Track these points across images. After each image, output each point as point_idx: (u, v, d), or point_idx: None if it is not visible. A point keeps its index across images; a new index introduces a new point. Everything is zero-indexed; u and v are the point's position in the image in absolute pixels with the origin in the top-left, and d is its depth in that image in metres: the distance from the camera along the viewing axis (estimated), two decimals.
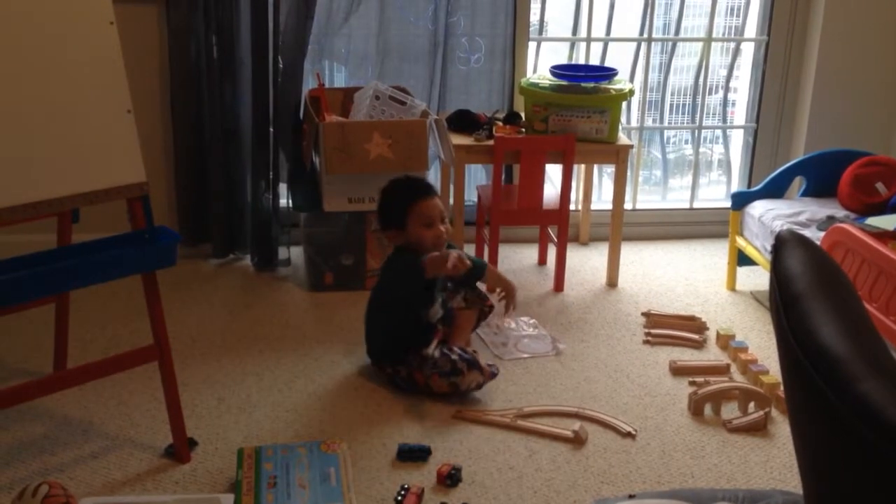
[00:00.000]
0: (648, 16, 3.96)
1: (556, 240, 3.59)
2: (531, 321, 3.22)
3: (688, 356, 3.07)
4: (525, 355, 3.03)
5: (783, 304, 1.15)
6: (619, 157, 3.49)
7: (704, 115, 4.20)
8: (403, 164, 3.24)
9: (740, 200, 3.56)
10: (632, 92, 3.51)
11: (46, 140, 2.08)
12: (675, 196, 4.38)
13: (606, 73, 3.57)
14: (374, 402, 2.74)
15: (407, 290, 2.79)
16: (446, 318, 2.98)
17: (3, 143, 2.02)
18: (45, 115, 2.08)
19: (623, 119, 3.86)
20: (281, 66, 3.49)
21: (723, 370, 2.95)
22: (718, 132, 4.42)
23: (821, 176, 3.57)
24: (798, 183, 3.69)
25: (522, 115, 3.62)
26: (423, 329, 2.86)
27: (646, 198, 4.34)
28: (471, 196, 3.88)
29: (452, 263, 2.61)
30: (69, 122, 2.12)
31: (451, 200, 3.61)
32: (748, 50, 4.16)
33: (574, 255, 3.86)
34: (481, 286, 3.06)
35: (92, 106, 2.16)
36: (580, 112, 3.43)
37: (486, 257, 3.60)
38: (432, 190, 2.87)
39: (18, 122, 2.04)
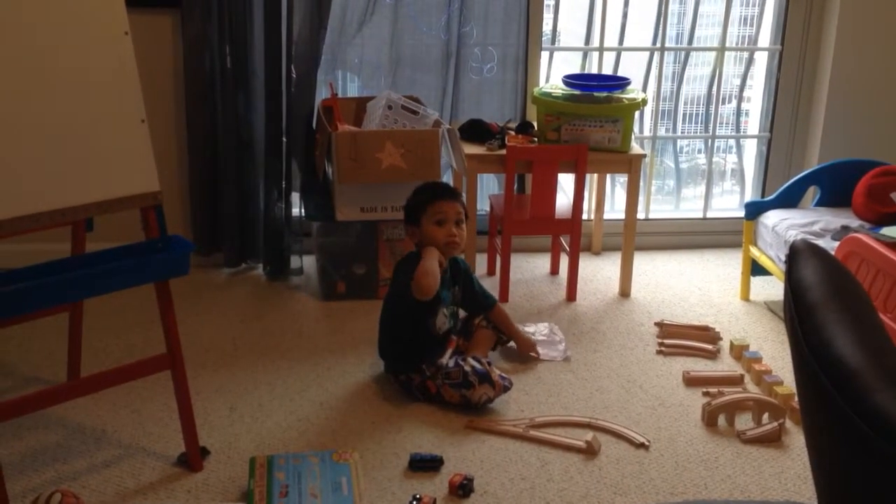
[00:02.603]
0: (661, 25, 3.95)
1: (568, 249, 3.58)
2: (546, 325, 3.21)
3: (701, 367, 3.06)
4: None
5: (798, 314, 1.14)
6: (631, 166, 3.48)
7: (718, 125, 4.19)
8: (416, 174, 3.25)
9: (754, 210, 3.55)
10: (645, 101, 3.50)
11: (61, 149, 2.10)
12: (689, 206, 4.37)
13: (619, 83, 3.56)
14: (385, 411, 2.73)
15: (410, 298, 2.80)
16: (465, 331, 2.98)
17: (18, 153, 2.03)
18: (60, 125, 2.10)
19: (636, 128, 3.85)
20: (294, 76, 3.51)
21: (737, 381, 2.94)
22: (732, 142, 4.41)
23: (835, 185, 3.55)
24: (812, 192, 3.67)
25: (535, 124, 3.62)
26: (435, 338, 2.86)
27: (659, 207, 4.33)
28: (483, 205, 3.88)
29: (431, 271, 2.71)
30: (84, 132, 2.13)
31: None
32: (762, 59, 4.15)
33: (586, 264, 3.86)
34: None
35: (106, 115, 2.17)
36: (593, 121, 3.42)
37: (497, 266, 3.60)
38: (456, 194, 2.93)
39: (33, 132, 2.05)
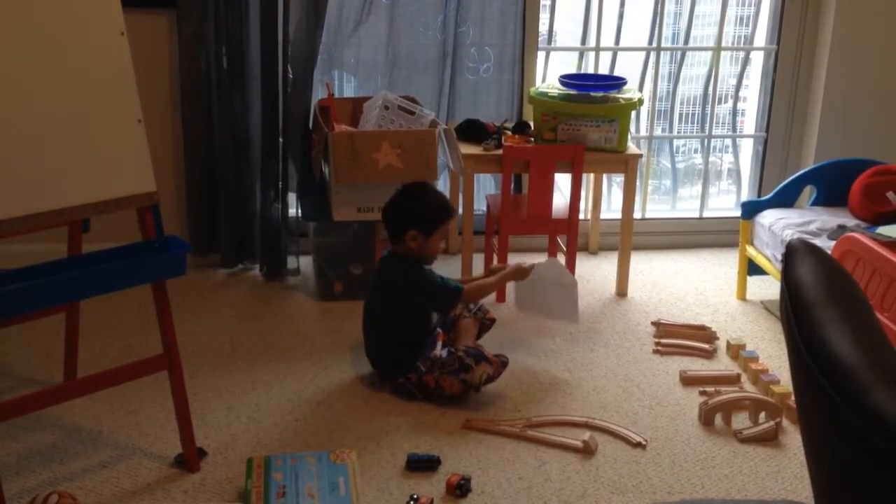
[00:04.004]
0: (657, 25, 3.96)
1: (565, 249, 3.58)
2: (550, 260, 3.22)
3: (698, 366, 3.06)
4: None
5: (794, 313, 1.14)
6: (628, 166, 3.48)
7: (714, 125, 4.19)
8: (412, 174, 3.24)
9: (750, 210, 3.55)
10: (641, 101, 3.51)
11: (57, 150, 2.09)
12: (685, 205, 4.37)
13: (615, 83, 3.57)
14: (383, 411, 2.73)
15: (430, 301, 2.89)
16: (447, 325, 2.98)
17: (15, 154, 2.03)
18: (56, 125, 2.09)
19: (632, 128, 3.85)
20: (291, 76, 3.51)
21: (733, 380, 2.94)
22: (728, 141, 4.42)
23: (831, 185, 3.56)
24: (808, 192, 3.68)
25: (531, 124, 3.62)
26: (428, 332, 2.89)
27: (655, 207, 4.33)
28: (480, 205, 3.88)
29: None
30: (80, 132, 2.13)
31: (461, 210, 3.62)
32: (758, 59, 4.16)
33: (583, 264, 3.86)
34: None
35: (103, 116, 2.17)
36: (589, 121, 3.43)
37: None
38: None
39: (29, 132, 2.05)
